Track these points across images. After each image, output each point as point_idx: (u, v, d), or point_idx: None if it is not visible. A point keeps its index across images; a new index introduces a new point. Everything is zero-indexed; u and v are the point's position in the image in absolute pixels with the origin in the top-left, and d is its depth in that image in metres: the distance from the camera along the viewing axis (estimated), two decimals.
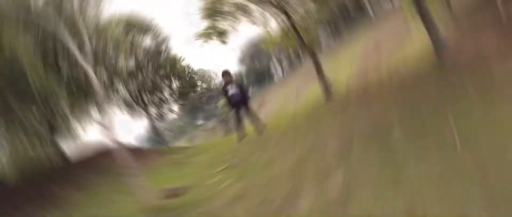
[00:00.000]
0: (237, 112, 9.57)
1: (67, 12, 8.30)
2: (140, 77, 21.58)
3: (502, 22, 6.93)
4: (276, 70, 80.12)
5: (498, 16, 7.07)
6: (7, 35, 7.61)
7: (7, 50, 7.74)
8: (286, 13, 10.68)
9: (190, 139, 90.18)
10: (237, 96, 9.40)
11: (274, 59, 75.40)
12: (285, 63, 77.30)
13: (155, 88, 22.51)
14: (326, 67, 10.95)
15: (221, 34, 11.63)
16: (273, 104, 54.21)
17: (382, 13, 39.42)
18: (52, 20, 7.67)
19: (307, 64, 53.80)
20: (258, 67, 78.69)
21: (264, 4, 10.99)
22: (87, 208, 7.33)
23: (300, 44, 11.04)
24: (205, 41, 11.66)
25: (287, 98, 49.11)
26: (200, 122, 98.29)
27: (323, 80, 10.57)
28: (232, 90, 9.46)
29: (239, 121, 9.58)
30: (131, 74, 20.70)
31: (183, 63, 22.97)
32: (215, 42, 11.67)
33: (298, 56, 68.63)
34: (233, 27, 11.69)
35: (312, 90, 41.05)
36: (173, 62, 23.86)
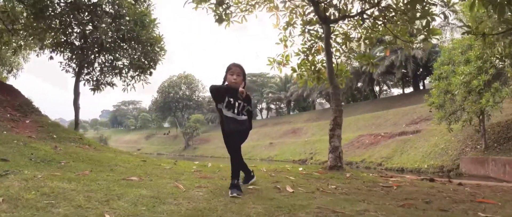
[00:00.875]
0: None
1: None
2: None
3: None
4: (262, 110, 79.59)
5: None
6: None
7: None
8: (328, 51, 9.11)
9: (146, 138, 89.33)
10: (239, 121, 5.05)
11: (264, 101, 74.86)
12: (273, 108, 76.95)
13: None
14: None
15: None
16: (243, 143, 53.32)
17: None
18: None
19: (293, 118, 54.04)
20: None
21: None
22: None
23: (332, 88, 8.84)
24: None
25: (258, 144, 48.54)
26: (166, 124, 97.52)
27: (335, 142, 8.16)
28: (233, 107, 5.02)
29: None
30: None
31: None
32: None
33: (289, 104, 69.43)
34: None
35: (290, 148, 41.14)
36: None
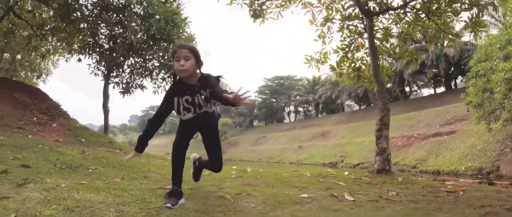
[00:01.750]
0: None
1: None
2: None
3: None
4: (289, 113, 79.11)
5: None
6: None
7: None
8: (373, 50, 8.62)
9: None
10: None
11: (292, 104, 74.40)
12: (301, 111, 76.37)
13: None
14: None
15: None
16: (271, 146, 53.06)
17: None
18: None
19: (322, 121, 53.40)
20: (273, 104, 78.01)
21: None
22: None
23: (377, 85, 8.30)
24: None
25: (287, 148, 48.03)
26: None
27: (383, 144, 7.70)
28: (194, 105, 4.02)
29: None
30: None
31: None
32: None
33: (317, 107, 68.63)
34: None
35: (319, 151, 40.44)
36: None
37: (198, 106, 3.98)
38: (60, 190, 3.88)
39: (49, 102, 12.36)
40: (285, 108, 79.62)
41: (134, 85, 14.98)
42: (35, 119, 10.49)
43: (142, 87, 15.04)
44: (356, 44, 9.84)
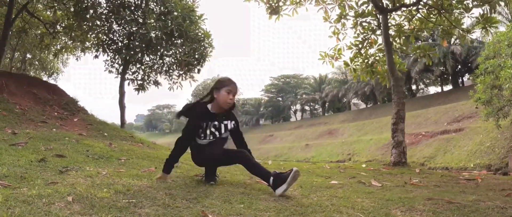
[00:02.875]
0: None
1: None
2: None
3: None
4: (296, 112, 79.12)
5: None
6: None
7: None
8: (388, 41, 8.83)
9: None
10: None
11: (298, 102, 74.41)
12: (307, 109, 76.37)
13: None
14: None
15: None
16: (278, 144, 53.10)
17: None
18: None
19: (328, 119, 53.36)
20: (280, 103, 78.10)
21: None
22: None
23: (393, 80, 8.60)
24: None
25: (294, 146, 48.01)
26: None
27: (399, 137, 7.97)
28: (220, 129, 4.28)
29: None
30: None
31: None
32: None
33: (324, 105, 68.64)
34: None
35: (327, 149, 40.49)
36: None
37: (219, 132, 4.21)
38: (103, 176, 3.97)
39: (67, 98, 12.63)
40: (292, 107, 79.66)
41: (149, 81, 15.17)
42: (55, 113, 10.68)
43: (157, 83, 15.25)
44: (370, 40, 10.04)
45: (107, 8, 13.35)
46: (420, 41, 34.16)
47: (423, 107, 38.30)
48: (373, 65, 10.15)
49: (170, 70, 14.80)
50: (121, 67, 14.49)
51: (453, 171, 20.99)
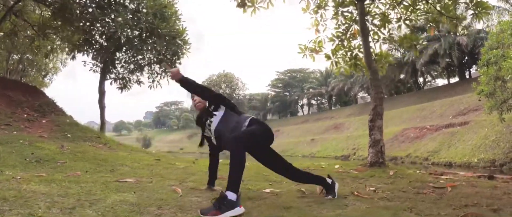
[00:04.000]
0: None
1: None
2: None
3: None
4: (303, 106, 78.68)
5: None
6: None
7: None
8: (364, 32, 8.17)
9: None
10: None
11: (305, 97, 73.91)
12: (314, 104, 75.82)
13: None
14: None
15: None
16: (284, 139, 52.69)
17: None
18: None
19: (335, 113, 52.93)
20: (287, 98, 77.78)
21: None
22: None
23: (370, 73, 7.94)
24: None
25: (300, 141, 47.59)
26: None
27: (376, 135, 7.22)
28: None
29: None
30: None
31: None
32: None
33: (330, 99, 68.00)
34: None
35: (332, 143, 39.97)
36: None
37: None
38: (13, 181, 4.02)
39: (42, 100, 12.49)
40: (299, 101, 79.05)
41: (131, 80, 14.75)
42: (25, 115, 10.58)
43: (139, 82, 14.83)
44: (352, 31, 9.37)
45: (87, 8, 12.85)
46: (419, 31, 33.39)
47: (430, 100, 37.57)
48: (356, 57, 9.47)
49: (145, 69, 14.31)
50: (100, 67, 14.02)
51: (455, 168, 20.44)
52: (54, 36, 16.15)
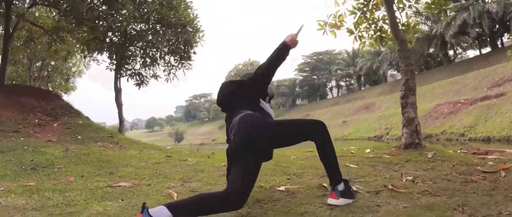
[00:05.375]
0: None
1: None
2: None
3: None
4: (332, 89, 77.73)
5: None
6: None
7: None
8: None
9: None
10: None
11: (333, 79, 72.85)
12: (343, 85, 74.69)
13: None
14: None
15: None
16: None
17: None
18: None
19: (365, 93, 51.92)
20: (315, 81, 76.95)
21: None
22: None
23: (398, 44, 7.01)
24: None
25: (331, 124, 46.68)
26: None
27: (409, 113, 6.37)
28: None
29: None
30: None
31: None
32: None
33: (359, 79, 66.73)
34: None
35: (364, 124, 39.02)
36: None
37: None
38: None
39: (56, 103, 12.27)
40: (327, 84, 78.03)
41: (147, 76, 14.31)
42: (36, 120, 10.39)
43: (156, 77, 14.32)
44: (375, 1, 8.52)
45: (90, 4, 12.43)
46: None
47: (462, 73, 36.24)
48: (381, 30, 8.62)
49: (158, 61, 13.78)
50: (114, 64, 13.58)
51: (493, 143, 19.27)
52: (71, 39, 16.03)
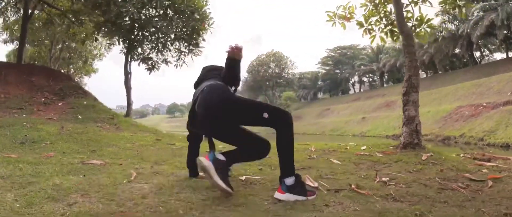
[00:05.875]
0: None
1: None
2: None
3: None
4: (354, 84, 77.01)
5: None
6: None
7: None
8: None
9: None
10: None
11: (356, 74, 72.08)
12: (366, 81, 73.95)
13: None
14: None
15: None
16: (334, 118, 51.62)
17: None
18: None
19: (387, 91, 51.27)
20: (337, 75, 76.29)
21: None
22: None
23: (403, 38, 6.75)
24: None
25: (351, 120, 46.44)
26: None
27: (410, 111, 6.14)
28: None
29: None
30: None
31: None
32: None
33: (382, 76, 65.84)
34: None
35: (383, 122, 38.55)
36: None
37: None
38: None
39: (65, 84, 12.41)
40: (350, 79, 77.24)
41: (158, 61, 14.30)
42: (43, 99, 10.62)
43: (167, 62, 14.31)
44: None
45: None
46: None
47: (487, 75, 35.31)
48: (392, 23, 8.35)
49: (168, 46, 13.75)
50: (124, 47, 13.60)
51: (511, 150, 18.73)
52: (89, 21, 16.18)
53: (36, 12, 16.77)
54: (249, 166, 4.04)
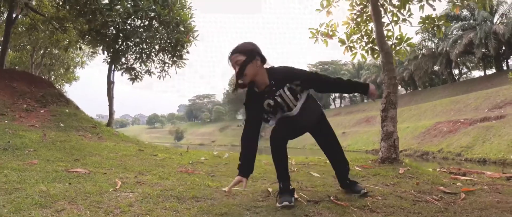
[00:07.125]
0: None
1: None
2: None
3: None
4: (335, 99, 77.73)
5: None
6: None
7: None
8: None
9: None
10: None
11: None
12: (346, 96, 74.75)
13: None
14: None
15: None
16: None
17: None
18: None
19: (367, 106, 51.93)
20: None
21: None
22: None
23: (383, 56, 7.00)
24: None
25: None
26: (239, 116, 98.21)
27: (388, 127, 6.37)
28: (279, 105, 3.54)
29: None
30: None
31: None
32: None
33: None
34: None
35: (363, 137, 38.96)
36: None
37: (286, 106, 3.51)
38: None
39: (47, 91, 12.36)
40: (330, 94, 77.94)
41: (141, 71, 14.34)
42: (25, 106, 10.51)
43: (150, 73, 14.34)
44: (368, 12, 8.48)
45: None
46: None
47: (465, 92, 36.08)
48: (374, 41, 8.57)
49: (152, 57, 13.80)
50: (108, 57, 13.57)
51: (489, 165, 19.12)
52: (73, 29, 16.08)
53: (20, 17, 16.67)
54: (232, 177, 4.14)
